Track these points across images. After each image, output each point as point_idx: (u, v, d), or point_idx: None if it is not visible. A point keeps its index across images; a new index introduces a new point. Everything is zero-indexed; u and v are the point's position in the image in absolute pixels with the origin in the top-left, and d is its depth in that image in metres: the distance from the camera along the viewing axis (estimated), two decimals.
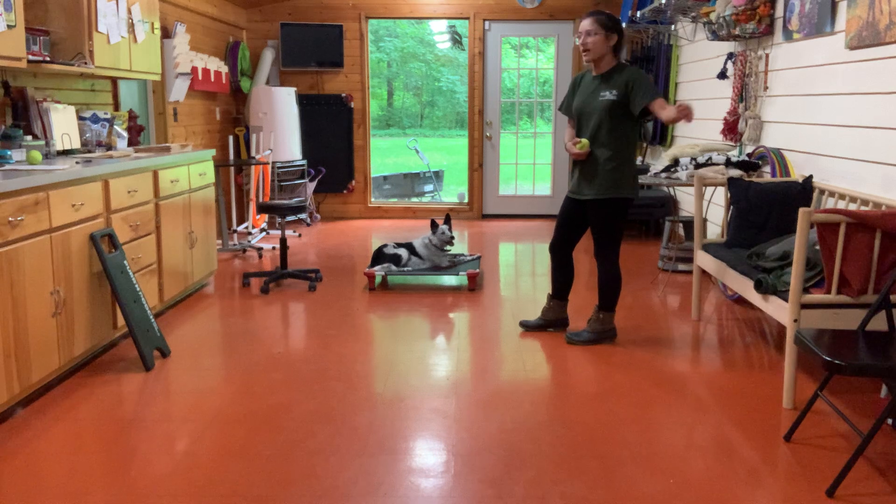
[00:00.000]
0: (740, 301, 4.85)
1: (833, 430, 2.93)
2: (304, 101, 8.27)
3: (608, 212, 3.81)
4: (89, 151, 4.49)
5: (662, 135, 7.12)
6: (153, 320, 3.81)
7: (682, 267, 5.70)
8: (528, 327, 4.22)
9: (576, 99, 3.89)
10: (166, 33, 6.02)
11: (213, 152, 5.34)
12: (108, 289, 3.75)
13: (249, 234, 7.19)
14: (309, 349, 3.91)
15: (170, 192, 4.53)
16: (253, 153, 7.41)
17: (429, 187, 12.71)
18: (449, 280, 5.46)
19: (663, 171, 4.98)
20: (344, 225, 8.10)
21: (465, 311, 4.65)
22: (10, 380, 2.96)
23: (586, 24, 3.74)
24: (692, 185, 4.67)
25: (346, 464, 2.65)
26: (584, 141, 3.76)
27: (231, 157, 7.01)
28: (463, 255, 5.51)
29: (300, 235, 7.39)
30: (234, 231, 6.98)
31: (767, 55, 4.87)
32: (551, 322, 4.19)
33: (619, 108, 3.71)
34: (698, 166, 4.72)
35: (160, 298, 4.42)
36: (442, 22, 19.97)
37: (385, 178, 12.61)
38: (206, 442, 2.82)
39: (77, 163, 3.72)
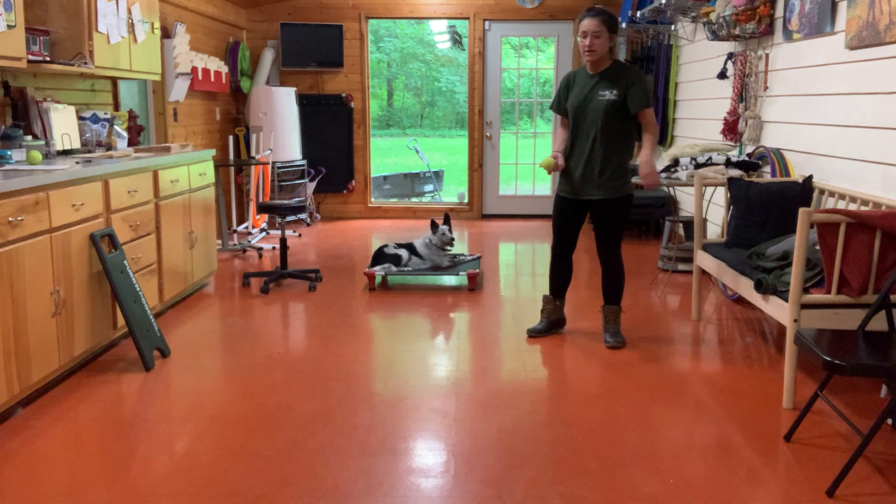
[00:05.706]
0: (740, 301, 4.85)
1: (833, 430, 2.93)
2: (304, 101, 8.26)
3: (620, 209, 3.86)
4: (89, 151, 4.48)
5: (662, 135, 7.11)
6: (153, 320, 3.81)
7: (682, 267, 5.70)
8: (537, 333, 4.15)
9: (571, 97, 3.87)
10: (166, 33, 6.02)
11: (213, 152, 5.34)
12: (108, 289, 3.75)
13: (249, 234, 7.19)
14: (309, 349, 3.91)
15: (170, 192, 4.53)
16: (253, 153, 7.41)
17: (429, 187, 12.70)
18: (449, 280, 5.46)
19: (663, 171, 4.98)
20: (344, 225, 8.10)
21: (465, 311, 4.65)
22: (10, 380, 2.96)
23: (592, 24, 3.66)
24: (692, 185, 4.67)
25: (346, 464, 2.65)
26: (549, 160, 3.83)
27: (231, 157, 7.02)
28: (463, 255, 5.51)
29: (300, 235, 7.39)
30: (234, 231, 6.98)
31: (767, 55, 4.87)
32: (555, 323, 4.19)
33: (619, 108, 3.73)
34: (698, 166, 4.72)
35: (160, 298, 4.42)
36: (442, 22, 19.97)
37: (385, 178, 12.60)
38: (206, 442, 2.82)
39: (77, 163, 3.72)
